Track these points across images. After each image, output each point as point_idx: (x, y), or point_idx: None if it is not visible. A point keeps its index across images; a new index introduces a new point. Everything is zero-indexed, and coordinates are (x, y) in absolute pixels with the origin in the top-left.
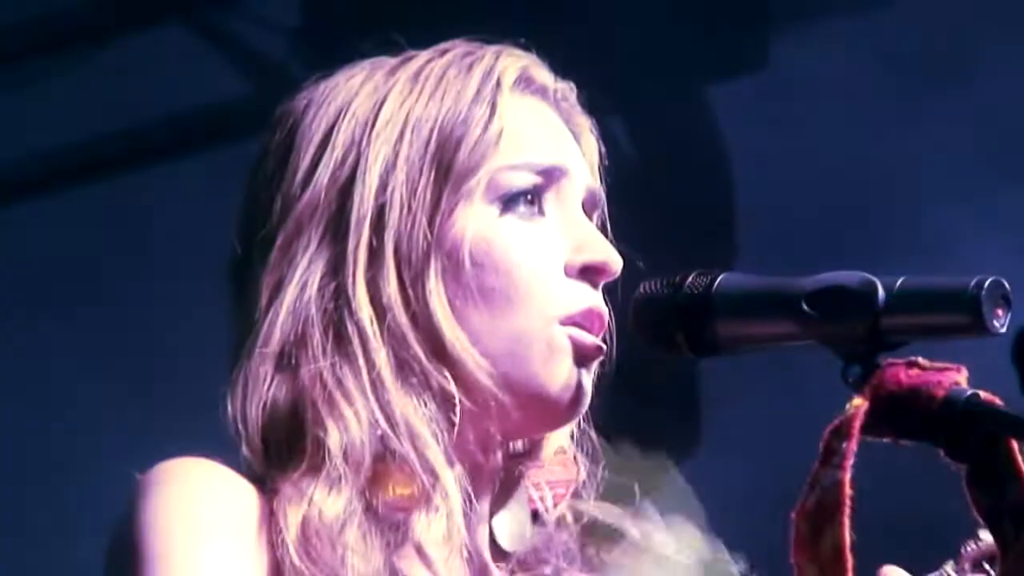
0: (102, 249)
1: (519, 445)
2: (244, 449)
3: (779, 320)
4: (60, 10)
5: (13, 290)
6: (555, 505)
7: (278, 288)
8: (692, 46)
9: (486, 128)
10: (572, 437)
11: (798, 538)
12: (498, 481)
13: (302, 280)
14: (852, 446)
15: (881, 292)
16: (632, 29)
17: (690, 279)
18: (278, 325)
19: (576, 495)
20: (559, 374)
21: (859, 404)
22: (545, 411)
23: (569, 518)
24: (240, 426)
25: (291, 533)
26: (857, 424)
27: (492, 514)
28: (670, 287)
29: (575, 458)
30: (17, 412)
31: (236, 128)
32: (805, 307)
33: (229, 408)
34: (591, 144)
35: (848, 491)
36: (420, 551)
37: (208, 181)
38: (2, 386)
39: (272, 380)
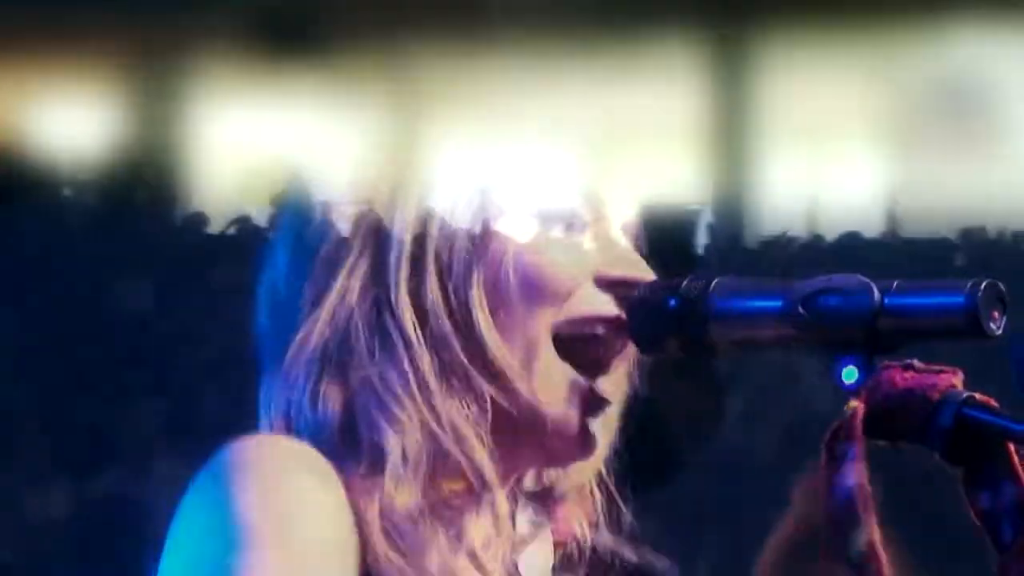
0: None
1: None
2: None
3: (775, 323)
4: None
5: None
6: (565, 541)
7: (319, 298)
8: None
9: None
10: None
11: (828, 544)
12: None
13: (342, 288)
14: (860, 446)
15: (877, 295)
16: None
17: (685, 283)
18: (315, 331)
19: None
20: (558, 404)
21: (855, 407)
22: (549, 442)
23: (575, 551)
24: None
25: (373, 523)
26: (858, 424)
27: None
28: (666, 291)
29: (591, 492)
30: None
31: None
32: (801, 310)
33: (272, 406)
34: None
35: (868, 488)
36: (471, 553)
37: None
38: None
39: (321, 380)
